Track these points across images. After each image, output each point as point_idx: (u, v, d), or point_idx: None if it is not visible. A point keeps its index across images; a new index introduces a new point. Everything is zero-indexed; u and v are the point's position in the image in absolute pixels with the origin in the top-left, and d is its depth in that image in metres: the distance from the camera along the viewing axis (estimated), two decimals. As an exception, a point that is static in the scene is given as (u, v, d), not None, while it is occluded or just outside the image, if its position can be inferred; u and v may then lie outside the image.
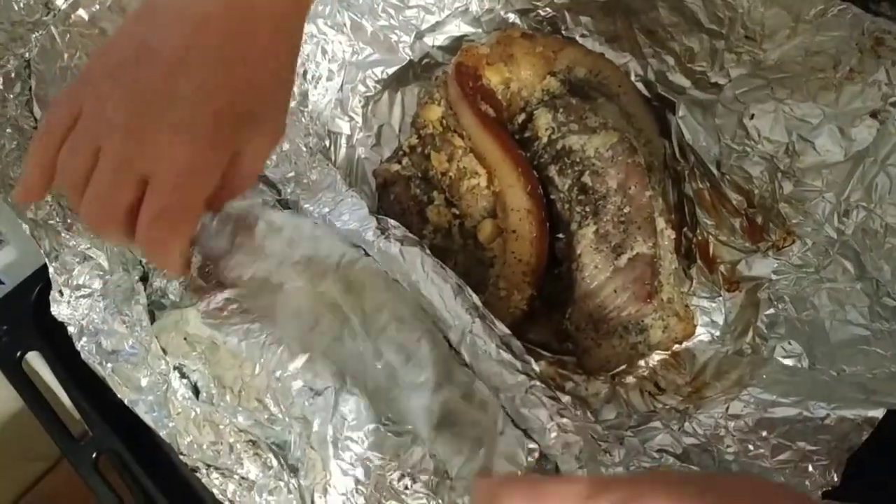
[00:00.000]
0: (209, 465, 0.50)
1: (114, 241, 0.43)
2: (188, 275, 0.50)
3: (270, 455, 0.48)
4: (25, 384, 0.59)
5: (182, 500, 0.57)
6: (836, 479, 0.48)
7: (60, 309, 0.53)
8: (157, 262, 0.47)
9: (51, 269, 0.53)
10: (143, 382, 0.51)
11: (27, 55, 0.56)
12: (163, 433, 0.51)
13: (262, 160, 0.44)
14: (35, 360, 0.61)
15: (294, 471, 0.47)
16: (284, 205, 0.56)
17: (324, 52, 0.64)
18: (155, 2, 0.40)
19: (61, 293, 0.53)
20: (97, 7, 0.57)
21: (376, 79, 0.65)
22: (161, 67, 0.38)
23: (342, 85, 0.64)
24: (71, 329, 0.53)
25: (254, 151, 0.41)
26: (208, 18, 0.38)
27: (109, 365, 0.51)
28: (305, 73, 0.62)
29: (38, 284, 0.60)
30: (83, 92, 0.40)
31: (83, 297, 0.53)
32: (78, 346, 0.53)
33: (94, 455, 0.57)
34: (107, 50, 0.40)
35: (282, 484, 0.47)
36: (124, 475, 0.57)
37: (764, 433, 0.50)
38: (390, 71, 0.65)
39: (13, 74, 0.56)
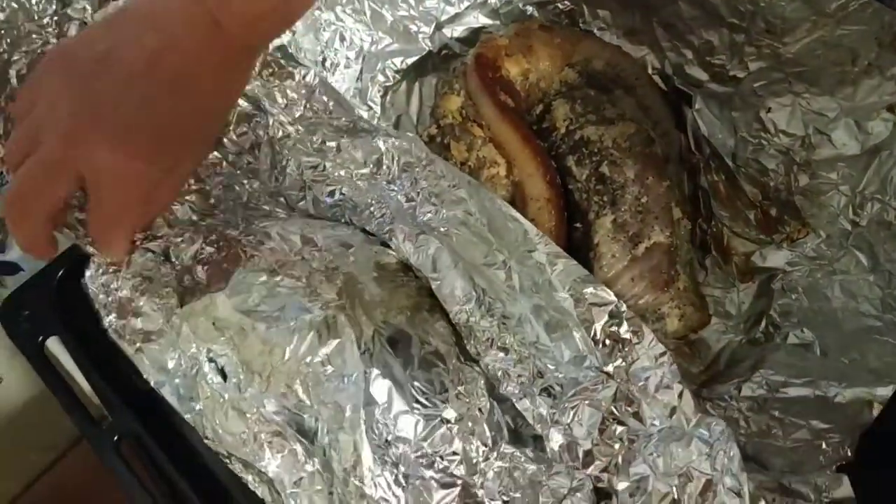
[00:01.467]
0: (230, 455, 0.50)
1: (26, 231, 0.46)
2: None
3: (298, 446, 0.48)
4: (48, 369, 0.59)
5: (203, 486, 0.58)
6: (849, 454, 0.48)
7: (93, 283, 0.53)
8: (107, 251, 0.50)
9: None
10: (170, 364, 0.51)
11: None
12: (188, 416, 0.51)
13: (184, 182, 0.48)
14: (53, 346, 0.62)
15: (322, 457, 0.47)
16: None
17: (342, 39, 0.64)
18: (127, 13, 0.43)
19: (96, 267, 0.53)
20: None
21: (395, 69, 0.66)
22: (116, 77, 0.41)
23: (360, 74, 0.64)
24: (98, 305, 0.53)
25: (181, 174, 0.45)
26: (175, 41, 0.40)
27: (137, 344, 0.51)
28: (324, 60, 0.63)
29: (58, 270, 0.60)
30: (38, 86, 0.43)
31: (113, 272, 0.53)
32: (105, 322, 0.53)
33: (115, 438, 0.57)
34: (70, 49, 0.44)
35: (306, 473, 0.48)
36: (145, 460, 0.58)
37: (777, 413, 0.51)
38: (409, 61, 0.66)
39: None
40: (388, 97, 0.66)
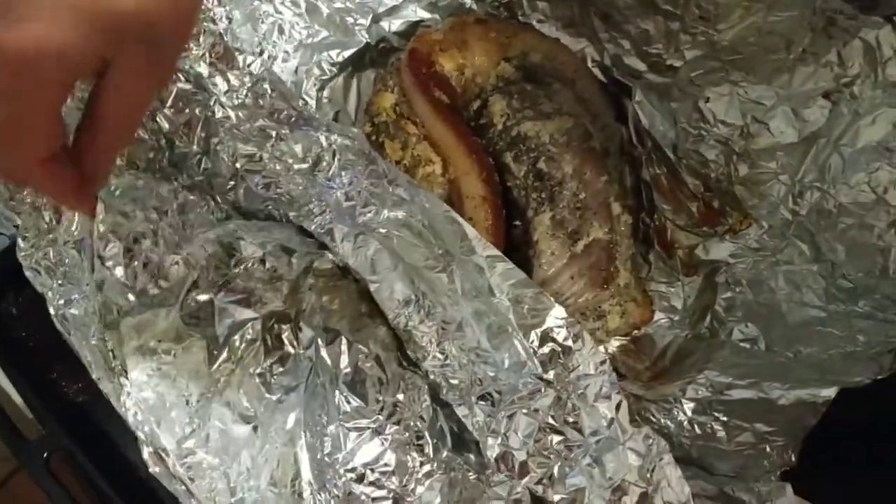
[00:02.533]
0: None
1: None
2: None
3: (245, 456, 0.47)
4: (-30, 383, 0.57)
5: (138, 501, 0.56)
6: (793, 459, 0.48)
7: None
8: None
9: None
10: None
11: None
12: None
13: (134, 85, 0.36)
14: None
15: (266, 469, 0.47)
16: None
17: (280, 31, 0.63)
18: None
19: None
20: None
21: (332, 62, 0.64)
22: None
23: (297, 67, 0.63)
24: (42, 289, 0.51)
25: (125, 67, 0.35)
26: None
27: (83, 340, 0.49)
28: (262, 52, 0.61)
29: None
30: None
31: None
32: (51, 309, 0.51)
33: (45, 455, 0.55)
34: None
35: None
36: (78, 475, 0.56)
37: (721, 416, 0.50)
38: (346, 54, 0.64)
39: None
40: (324, 91, 0.64)
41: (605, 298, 0.55)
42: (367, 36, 0.65)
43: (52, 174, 0.37)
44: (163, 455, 0.47)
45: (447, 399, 0.47)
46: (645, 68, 0.59)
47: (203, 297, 0.49)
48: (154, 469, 0.47)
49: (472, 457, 0.46)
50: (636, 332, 0.58)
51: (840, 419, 0.48)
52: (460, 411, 0.46)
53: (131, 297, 0.49)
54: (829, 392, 0.47)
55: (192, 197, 0.54)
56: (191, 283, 0.49)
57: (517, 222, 0.57)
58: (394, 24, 0.65)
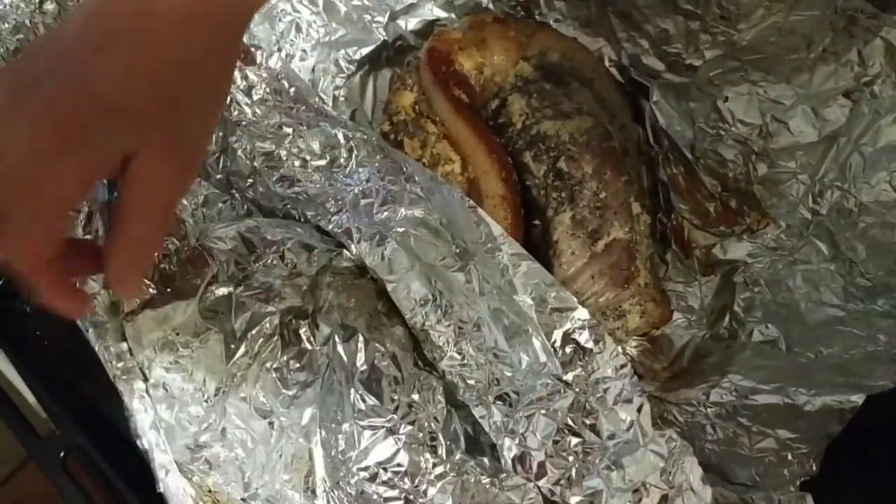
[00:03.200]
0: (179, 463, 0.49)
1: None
2: None
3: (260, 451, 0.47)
4: (-13, 382, 0.57)
5: (153, 500, 0.56)
6: (814, 468, 0.47)
7: None
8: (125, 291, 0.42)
9: None
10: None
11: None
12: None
13: (161, 180, 0.34)
14: (-2, 359, 0.59)
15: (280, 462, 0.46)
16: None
17: (298, 29, 0.63)
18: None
19: None
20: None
21: (349, 59, 0.64)
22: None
23: (314, 65, 0.63)
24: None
25: (152, 159, 0.33)
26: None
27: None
28: (280, 50, 0.62)
29: None
30: None
31: None
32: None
33: (61, 454, 0.55)
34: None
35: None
36: (93, 474, 0.56)
37: (744, 420, 0.50)
38: (363, 52, 0.64)
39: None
40: (341, 89, 0.64)
41: (626, 298, 0.55)
42: (384, 34, 0.65)
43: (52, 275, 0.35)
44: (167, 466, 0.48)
45: (464, 400, 0.47)
46: (663, 68, 0.59)
47: (222, 291, 0.49)
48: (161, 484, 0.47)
49: (485, 460, 0.46)
50: (654, 332, 0.58)
51: (863, 424, 0.48)
52: (477, 412, 0.46)
53: (151, 289, 0.49)
54: (857, 399, 0.46)
55: (214, 191, 0.54)
56: (210, 276, 0.49)
57: (536, 221, 0.57)
58: (410, 23, 0.65)
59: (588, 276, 0.55)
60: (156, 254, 0.47)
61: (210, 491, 0.48)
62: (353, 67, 0.65)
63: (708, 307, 0.59)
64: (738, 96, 0.55)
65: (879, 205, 0.51)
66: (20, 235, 0.33)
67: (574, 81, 0.60)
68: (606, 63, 0.63)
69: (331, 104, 0.64)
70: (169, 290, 0.49)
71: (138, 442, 0.49)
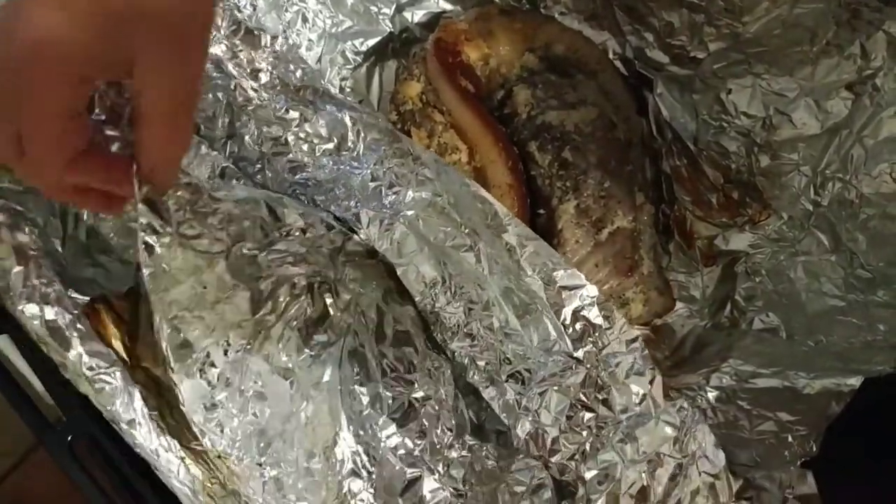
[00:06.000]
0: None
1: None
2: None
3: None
4: (-2, 369, 0.57)
5: (161, 484, 0.56)
6: (814, 448, 0.48)
7: None
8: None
9: None
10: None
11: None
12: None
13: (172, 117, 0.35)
14: (4, 345, 0.60)
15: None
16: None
17: (304, 19, 0.63)
18: None
19: None
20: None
21: (356, 51, 0.65)
22: None
23: (320, 56, 0.63)
24: None
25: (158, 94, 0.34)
26: None
27: None
28: (287, 40, 0.61)
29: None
30: None
31: None
32: None
33: (69, 438, 0.55)
34: None
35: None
36: (100, 459, 0.56)
37: (744, 404, 0.51)
38: (370, 43, 0.65)
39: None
40: (347, 81, 0.65)
41: (629, 286, 0.56)
42: (390, 26, 0.65)
43: (84, 172, 0.37)
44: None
45: (473, 382, 0.47)
46: (668, 60, 0.60)
47: (250, 252, 0.49)
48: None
49: (490, 446, 0.47)
50: (657, 321, 0.59)
51: (862, 408, 0.48)
52: (487, 393, 0.46)
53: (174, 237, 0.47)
54: (854, 381, 0.47)
55: (219, 180, 0.54)
56: (237, 235, 0.48)
57: (541, 211, 0.58)
58: (417, 15, 0.66)
59: (592, 264, 0.55)
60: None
61: (219, 457, 0.48)
62: (359, 59, 0.65)
63: (710, 297, 0.60)
64: (741, 89, 0.56)
65: (880, 196, 0.51)
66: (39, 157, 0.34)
67: (579, 73, 0.61)
68: (611, 56, 0.64)
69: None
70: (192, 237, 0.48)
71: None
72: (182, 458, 0.49)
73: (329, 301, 0.48)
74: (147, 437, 0.48)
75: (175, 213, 0.46)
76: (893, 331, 0.50)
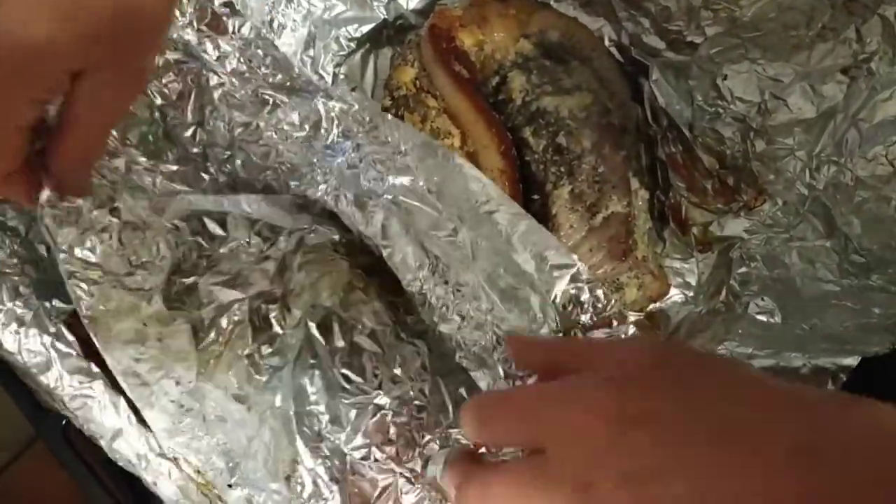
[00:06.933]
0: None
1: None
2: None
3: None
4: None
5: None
6: None
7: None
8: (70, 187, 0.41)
9: None
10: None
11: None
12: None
13: (108, 96, 0.36)
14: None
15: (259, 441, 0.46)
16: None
17: (289, 0, 0.63)
18: None
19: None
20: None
21: (349, 37, 0.64)
22: None
23: (314, 41, 0.63)
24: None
25: (99, 77, 0.34)
26: None
27: None
28: (272, 21, 0.61)
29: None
30: None
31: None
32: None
33: (63, 423, 0.55)
34: None
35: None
36: (95, 446, 0.56)
37: (740, 385, 0.51)
38: (364, 29, 0.64)
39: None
40: (341, 67, 0.64)
41: (623, 271, 0.55)
42: (384, 12, 0.65)
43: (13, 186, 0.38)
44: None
45: (462, 364, 0.47)
46: (664, 46, 0.60)
47: (188, 280, 0.48)
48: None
49: None
50: (652, 306, 0.59)
51: (858, 388, 0.48)
52: (477, 375, 0.46)
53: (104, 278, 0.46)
54: (851, 361, 0.47)
55: (187, 167, 0.52)
56: (174, 265, 0.48)
57: (536, 196, 0.58)
58: (412, 2, 0.65)
59: (586, 248, 0.55)
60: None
61: (198, 471, 0.48)
62: (353, 45, 0.65)
63: (705, 283, 0.60)
64: (737, 74, 0.56)
65: (875, 179, 0.51)
66: None
67: (574, 59, 0.61)
68: (606, 42, 0.63)
69: (330, 81, 0.64)
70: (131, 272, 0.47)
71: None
72: (174, 460, 0.48)
73: (277, 321, 0.47)
74: (136, 443, 0.46)
75: (107, 251, 0.45)
76: (888, 313, 0.50)
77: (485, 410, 0.34)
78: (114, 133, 0.49)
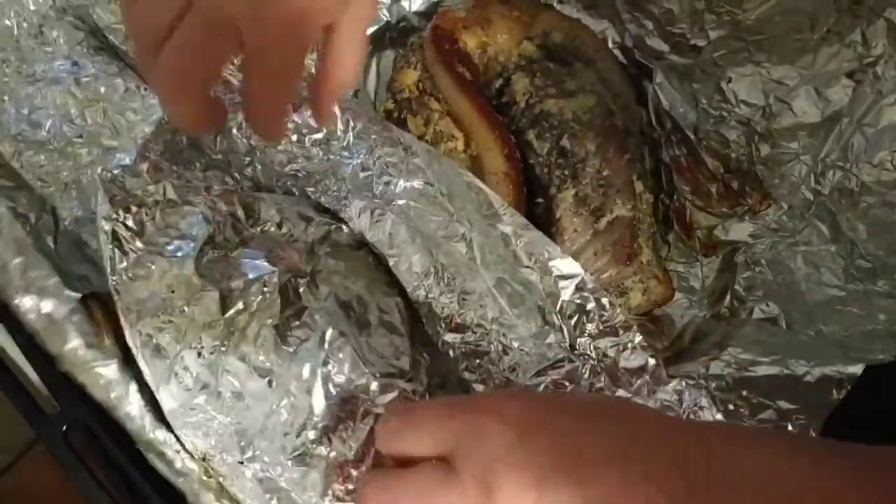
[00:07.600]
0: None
1: (190, 107, 0.37)
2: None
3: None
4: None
5: (155, 473, 0.56)
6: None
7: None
8: (264, 128, 0.41)
9: None
10: None
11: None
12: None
13: (357, 39, 0.39)
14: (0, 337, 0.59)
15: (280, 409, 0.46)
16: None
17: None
18: None
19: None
20: None
21: (353, 40, 0.64)
22: None
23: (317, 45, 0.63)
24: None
25: (349, 26, 0.37)
26: None
27: None
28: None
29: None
30: None
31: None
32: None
33: (64, 428, 0.55)
34: None
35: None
36: (94, 448, 0.56)
37: (744, 392, 0.50)
38: (367, 32, 0.64)
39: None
40: (344, 70, 0.64)
41: (628, 275, 0.55)
42: (387, 15, 0.65)
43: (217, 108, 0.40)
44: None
45: (464, 376, 0.47)
46: (667, 49, 0.60)
47: (219, 252, 0.48)
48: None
49: None
50: (656, 311, 0.58)
51: (863, 395, 0.48)
52: (478, 388, 0.46)
53: (139, 244, 0.48)
54: (855, 369, 0.47)
55: (215, 171, 0.54)
56: (207, 236, 0.48)
57: (539, 199, 0.57)
58: (414, 4, 0.66)
59: (591, 252, 0.55)
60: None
61: (203, 458, 0.47)
62: (356, 47, 0.65)
63: (709, 287, 0.59)
64: (741, 77, 0.56)
65: (881, 184, 0.51)
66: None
67: (577, 62, 0.60)
68: (610, 45, 0.63)
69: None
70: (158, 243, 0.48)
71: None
72: (178, 452, 0.48)
73: (305, 294, 0.47)
74: (144, 430, 0.47)
75: (146, 221, 0.47)
76: (893, 319, 0.50)
77: (396, 422, 0.37)
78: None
